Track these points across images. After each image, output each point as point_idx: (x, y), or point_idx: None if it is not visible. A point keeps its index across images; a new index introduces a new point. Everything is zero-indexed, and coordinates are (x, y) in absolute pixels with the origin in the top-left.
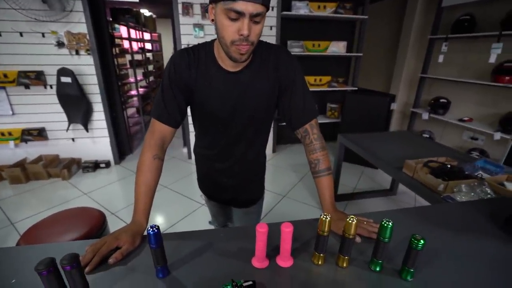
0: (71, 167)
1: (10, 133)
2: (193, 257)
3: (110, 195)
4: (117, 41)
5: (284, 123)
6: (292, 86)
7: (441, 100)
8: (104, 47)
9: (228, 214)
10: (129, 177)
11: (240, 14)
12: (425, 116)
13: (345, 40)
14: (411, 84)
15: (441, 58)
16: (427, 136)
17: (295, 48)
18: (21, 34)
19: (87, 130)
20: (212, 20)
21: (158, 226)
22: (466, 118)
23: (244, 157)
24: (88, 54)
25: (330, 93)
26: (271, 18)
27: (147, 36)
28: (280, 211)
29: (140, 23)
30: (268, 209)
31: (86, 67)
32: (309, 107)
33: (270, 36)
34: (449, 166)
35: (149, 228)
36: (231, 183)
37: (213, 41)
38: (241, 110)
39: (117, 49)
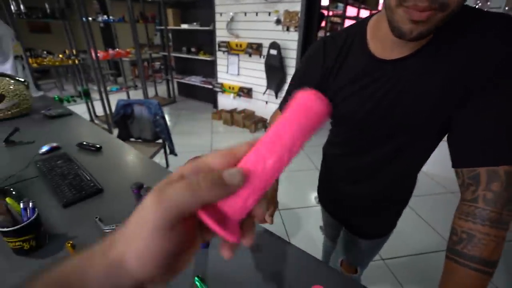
0: (258, 124)
1: (232, 88)
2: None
3: None
4: (334, 21)
5: None
6: (488, 93)
7: None
8: (311, 25)
9: (339, 231)
10: None
11: None
12: None
13: None
14: None
15: None
16: None
17: None
18: (256, 14)
19: (276, 96)
20: None
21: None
22: None
23: (378, 175)
24: (296, 30)
25: None
26: None
27: (365, 13)
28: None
29: (359, 1)
30: (416, 250)
31: (291, 42)
32: (505, 139)
33: None
34: None
35: None
36: (351, 202)
37: (370, 17)
38: (389, 116)
39: (328, 26)
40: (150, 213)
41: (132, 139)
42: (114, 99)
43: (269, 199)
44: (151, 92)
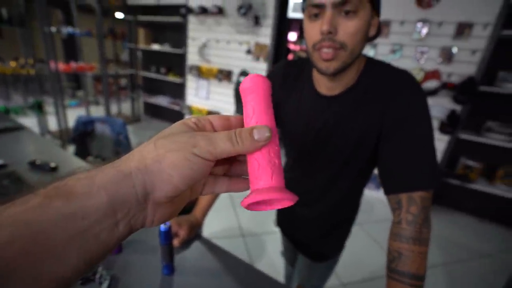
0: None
1: (201, 111)
2: (201, 264)
3: None
4: (301, 55)
5: None
6: (401, 130)
7: None
8: (280, 57)
9: (296, 255)
10: None
11: (320, 7)
12: None
13: None
14: None
15: None
16: None
17: (510, 84)
18: (228, 42)
19: None
20: None
21: (170, 225)
22: None
23: (323, 197)
24: (265, 61)
25: None
26: (478, 40)
27: None
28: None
29: None
30: (376, 274)
31: (260, 72)
32: (418, 168)
33: (468, 62)
34: None
35: (161, 225)
36: (302, 224)
37: None
38: (324, 143)
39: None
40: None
41: (90, 158)
42: (72, 114)
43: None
44: (114, 109)
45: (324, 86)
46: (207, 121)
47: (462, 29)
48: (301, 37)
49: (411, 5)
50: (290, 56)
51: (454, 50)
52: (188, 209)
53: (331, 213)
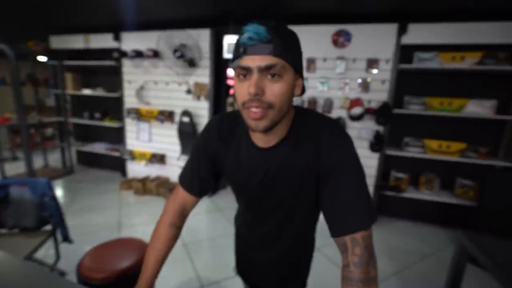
0: (173, 191)
1: (144, 155)
2: None
3: (193, 224)
4: None
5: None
6: (334, 177)
7: None
8: (219, 95)
9: None
10: (215, 213)
11: (247, 71)
12: None
13: (494, 98)
14: None
15: None
16: None
17: (413, 106)
18: (167, 84)
19: None
20: None
21: None
22: None
23: (277, 240)
24: (206, 99)
25: (463, 165)
26: (385, 72)
27: None
28: None
29: None
30: None
31: (202, 110)
32: (355, 210)
33: (381, 91)
34: None
35: None
36: (260, 268)
37: None
38: (271, 192)
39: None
40: None
41: (3, 231)
42: None
43: None
44: (38, 163)
45: (259, 139)
46: None
47: (371, 64)
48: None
49: (330, 45)
50: (232, 91)
51: (369, 80)
52: (133, 277)
53: (287, 254)
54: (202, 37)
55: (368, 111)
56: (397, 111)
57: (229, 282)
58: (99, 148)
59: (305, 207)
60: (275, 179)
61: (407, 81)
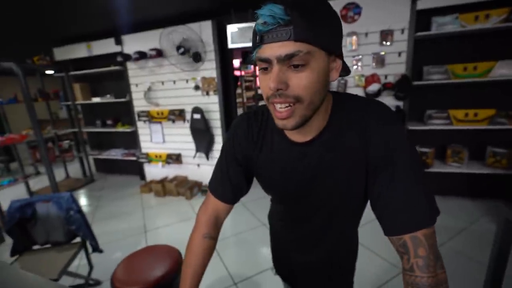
0: (193, 189)
1: (160, 156)
2: None
3: None
4: (248, 78)
5: None
6: (387, 168)
7: None
8: (228, 88)
9: None
10: (237, 207)
11: (268, 62)
12: None
13: None
14: None
15: None
16: None
17: (435, 75)
18: (174, 82)
19: (207, 158)
20: None
21: None
22: None
23: (320, 242)
24: (215, 94)
25: (493, 132)
26: (400, 43)
27: None
28: None
29: None
30: (376, 284)
31: (212, 105)
32: (415, 205)
33: (398, 63)
34: None
35: None
36: (302, 269)
37: None
38: (311, 192)
39: (244, 85)
40: None
41: (37, 247)
42: (7, 196)
43: None
44: (60, 175)
45: (294, 133)
46: None
47: (386, 36)
48: (244, 62)
49: None
50: (239, 83)
51: (383, 53)
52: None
53: (331, 256)
54: (204, 30)
55: (385, 87)
56: (416, 83)
57: (260, 277)
58: (115, 154)
59: (351, 205)
60: (317, 176)
61: (426, 50)
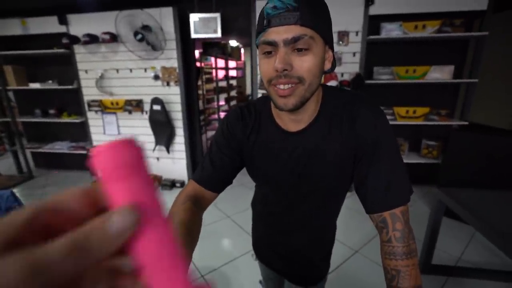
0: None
1: None
2: None
3: None
4: (207, 70)
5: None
6: (373, 153)
7: None
8: (190, 79)
9: (281, 284)
10: None
11: (274, 45)
12: None
13: (452, 63)
14: None
15: None
16: None
17: (383, 75)
18: (130, 71)
19: (168, 151)
20: None
21: None
22: None
23: (306, 230)
24: (176, 85)
25: (427, 127)
26: (355, 44)
27: (232, 64)
28: (348, 271)
29: (226, 53)
30: (334, 265)
31: (173, 96)
32: (395, 186)
33: (352, 63)
34: None
35: None
36: (288, 253)
37: None
38: (304, 179)
39: (204, 77)
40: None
41: None
42: None
43: None
44: None
45: (288, 122)
46: (53, 210)
47: (342, 37)
48: (204, 53)
49: None
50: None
51: (340, 53)
52: None
53: (317, 238)
54: (165, 16)
55: (342, 84)
56: (368, 82)
57: (227, 268)
58: (60, 147)
59: (340, 190)
60: (308, 164)
61: (376, 52)
